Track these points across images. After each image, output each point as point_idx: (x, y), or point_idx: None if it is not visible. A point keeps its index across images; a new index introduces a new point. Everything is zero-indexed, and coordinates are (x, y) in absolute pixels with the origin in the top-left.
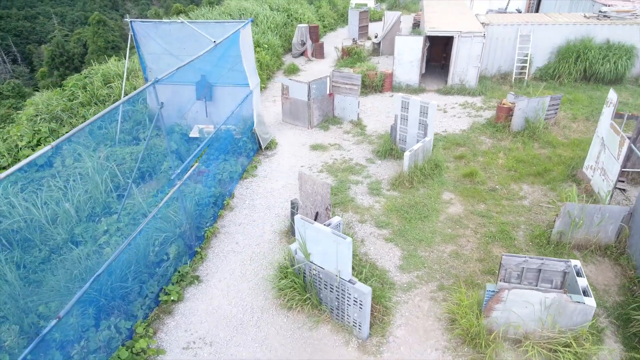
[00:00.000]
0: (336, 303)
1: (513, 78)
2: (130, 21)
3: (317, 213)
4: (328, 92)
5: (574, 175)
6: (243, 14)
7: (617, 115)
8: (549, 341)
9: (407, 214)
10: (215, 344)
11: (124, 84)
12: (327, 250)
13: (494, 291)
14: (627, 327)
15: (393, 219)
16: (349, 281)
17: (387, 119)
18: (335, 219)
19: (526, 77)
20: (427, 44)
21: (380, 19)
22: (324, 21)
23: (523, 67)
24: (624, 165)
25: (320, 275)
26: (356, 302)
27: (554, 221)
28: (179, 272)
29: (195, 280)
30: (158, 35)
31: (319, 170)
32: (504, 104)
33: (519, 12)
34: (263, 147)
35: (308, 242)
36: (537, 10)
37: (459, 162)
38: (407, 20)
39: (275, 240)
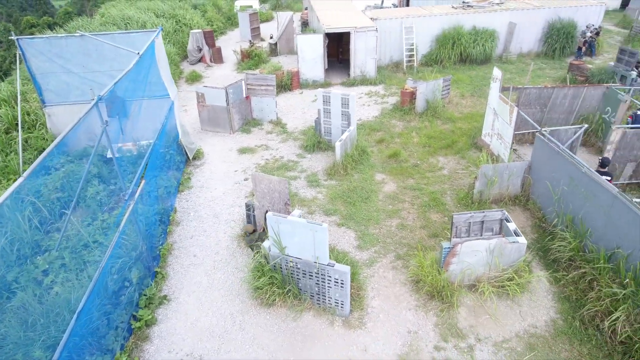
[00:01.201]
0: (316, 289)
1: (405, 66)
2: (17, 39)
3: (265, 212)
4: (244, 95)
5: (475, 143)
6: (128, 23)
7: (503, 89)
8: (496, 279)
9: (350, 198)
10: (205, 356)
11: (19, 109)
12: (304, 240)
13: (449, 247)
14: (547, 256)
15: (339, 205)
16: (329, 264)
17: (304, 115)
18: (296, 212)
19: (415, 64)
20: (327, 40)
21: (268, 20)
22: (213, 25)
23: (411, 55)
24: (515, 129)
25: (299, 266)
26: (337, 282)
27: (474, 183)
28: (145, 295)
29: (164, 300)
30: (53, 52)
31: (254, 172)
32: (406, 89)
33: (395, 6)
34: (191, 158)
35: (282, 236)
36: (407, 4)
37: (380, 145)
38: (294, 20)
39: (233, 246)
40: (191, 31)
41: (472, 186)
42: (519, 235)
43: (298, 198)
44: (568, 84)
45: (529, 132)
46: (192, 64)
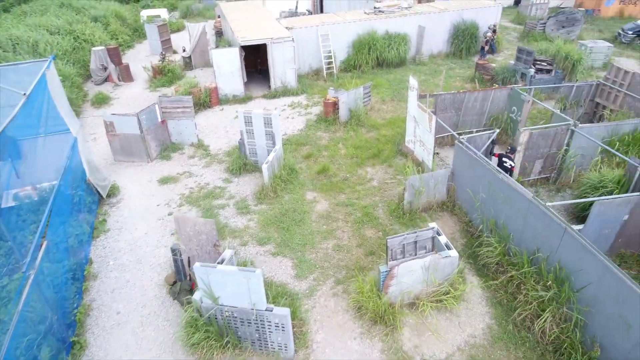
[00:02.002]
0: (257, 335)
1: (325, 73)
2: None
3: (189, 258)
4: (160, 120)
5: (400, 150)
6: (17, 43)
7: (421, 96)
8: (434, 294)
9: (283, 223)
10: None
11: None
12: (237, 288)
13: (387, 271)
14: (477, 262)
15: (272, 232)
16: (267, 309)
17: (227, 134)
18: (228, 253)
19: (335, 71)
20: (243, 53)
21: (179, 30)
22: (118, 39)
23: (330, 63)
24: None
25: (235, 314)
26: (278, 326)
27: (403, 194)
28: None
29: None
30: None
31: (178, 205)
32: (328, 100)
33: (309, 12)
34: (104, 196)
35: (214, 287)
36: (321, 10)
37: (308, 160)
38: (208, 29)
39: (162, 295)
40: (92, 49)
41: (401, 197)
42: (450, 249)
43: (229, 229)
44: (477, 83)
45: (447, 135)
46: (98, 84)
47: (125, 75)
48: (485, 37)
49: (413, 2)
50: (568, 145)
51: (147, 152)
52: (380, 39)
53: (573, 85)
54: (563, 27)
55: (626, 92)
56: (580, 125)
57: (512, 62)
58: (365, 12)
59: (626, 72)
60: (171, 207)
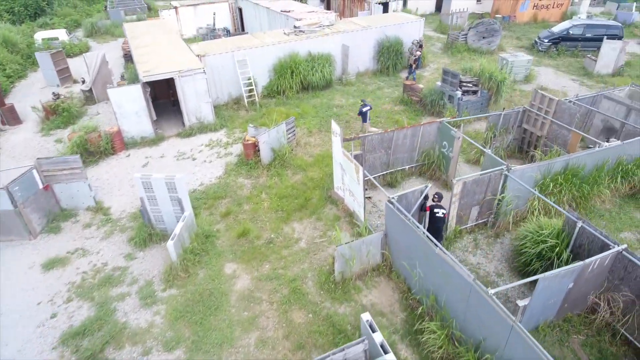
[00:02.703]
0: None
1: (246, 102)
2: None
3: None
4: (42, 186)
5: (330, 197)
6: None
7: (346, 139)
8: None
9: (195, 315)
10: None
11: None
12: None
13: None
14: (420, 350)
15: (182, 330)
16: None
17: (134, 188)
18: None
19: (257, 99)
20: (149, 88)
21: (82, 52)
22: (5, 69)
23: (251, 90)
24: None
25: None
26: None
27: (333, 263)
28: None
29: None
30: None
31: (65, 300)
32: (248, 141)
33: (227, 31)
34: None
35: None
36: (242, 27)
37: (227, 219)
38: (114, 49)
39: None
40: None
41: (332, 263)
42: (386, 351)
43: (128, 332)
44: (405, 121)
45: (380, 175)
46: None
47: (11, 117)
48: (415, 56)
49: (335, 19)
50: (503, 189)
51: (27, 228)
52: (303, 61)
53: (500, 114)
54: (484, 37)
55: (552, 120)
56: (512, 168)
57: (439, 83)
58: (284, 33)
59: (551, 100)
60: (56, 304)
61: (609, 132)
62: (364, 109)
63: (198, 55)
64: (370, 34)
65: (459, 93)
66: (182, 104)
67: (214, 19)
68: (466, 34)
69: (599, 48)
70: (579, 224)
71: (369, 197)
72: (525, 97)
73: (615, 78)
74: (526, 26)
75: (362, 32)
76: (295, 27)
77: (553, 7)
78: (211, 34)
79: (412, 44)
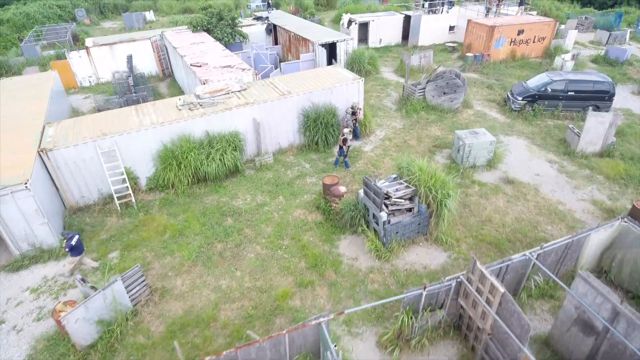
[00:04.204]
0: None
1: (117, 204)
2: None
3: None
4: None
5: None
6: None
7: None
8: None
9: None
10: None
11: None
12: None
13: None
14: None
15: None
16: None
17: None
18: None
19: (133, 198)
20: None
21: None
22: None
23: (125, 187)
24: None
25: None
26: None
27: None
28: None
29: None
30: None
31: None
32: (61, 312)
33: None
34: None
35: None
36: (171, 69)
37: None
38: None
39: None
40: None
41: None
42: None
43: None
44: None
45: None
46: None
47: None
48: (343, 134)
49: (253, 77)
50: None
51: None
52: (195, 147)
53: (421, 292)
54: (444, 93)
55: (496, 316)
56: None
57: (362, 192)
58: (178, 106)
59: (496, 290)
60: None
61: (585, 329)
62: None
63: (42, 150)
64: (292, 102)
65: (384, 215)
66: (2, 230)
67: (129, 63)
68: (424, 88)
69: (584, 108)
70: None
71: None
72: (485, 199)
73: (603, 160)
74: (502, 65)
75: (281, 101)
76: (196, 94)
77: (534, 42)
78: (118, 82)
79: (346, 112)
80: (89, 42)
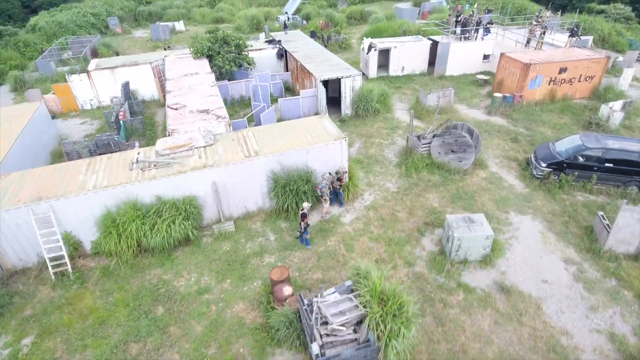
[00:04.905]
0: None
1: (51, 273)
2: None
3: None
4: None
5: None
6: None
7: None
8: None
9: None
10: None
11: None
12: None
13: None
14: None
15: None
16: None
17: None
18: None
19: (69, 267)
20: None
21: None
22: None
23: (60, 257)
24: None
25: None
26: None
27: None
28: None
29: None
30: None
31: None
32: None
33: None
34: None
35: None
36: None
37: None
38: None
39: None
40: None
41: None
42: None
43: None
44: None
45: None
46: None
47: None
48: (302, 210)
49: (225, 128)
50: None
51: None
52: (139, 216)
53: None
54: (452, 151)
55: None
56: None
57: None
58: (130, 165)
59: None
60: None
61: None
62: None
63: None
64: (258, 165)
65: (315, 348)
66: None
67: (125, 89)
68: (429, 143)
69: (625, 184)
70: None
71: None
72: (467, 315)
73: (637, 266)
74: (537, 108)
75: (245, 164)
76: (155, 150)
77: (579, 81)
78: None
79: (322, 177)
80: (91, 65)
